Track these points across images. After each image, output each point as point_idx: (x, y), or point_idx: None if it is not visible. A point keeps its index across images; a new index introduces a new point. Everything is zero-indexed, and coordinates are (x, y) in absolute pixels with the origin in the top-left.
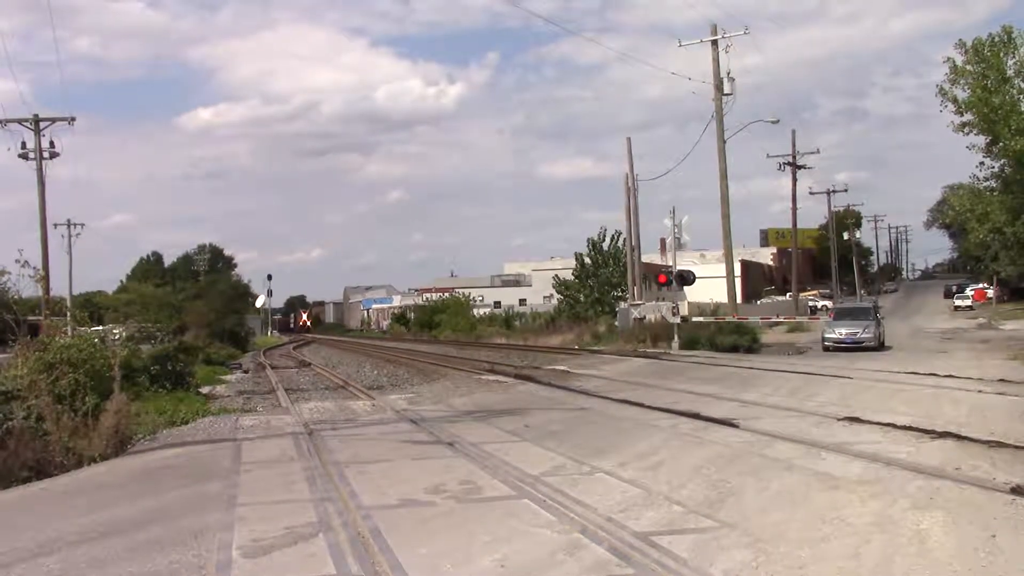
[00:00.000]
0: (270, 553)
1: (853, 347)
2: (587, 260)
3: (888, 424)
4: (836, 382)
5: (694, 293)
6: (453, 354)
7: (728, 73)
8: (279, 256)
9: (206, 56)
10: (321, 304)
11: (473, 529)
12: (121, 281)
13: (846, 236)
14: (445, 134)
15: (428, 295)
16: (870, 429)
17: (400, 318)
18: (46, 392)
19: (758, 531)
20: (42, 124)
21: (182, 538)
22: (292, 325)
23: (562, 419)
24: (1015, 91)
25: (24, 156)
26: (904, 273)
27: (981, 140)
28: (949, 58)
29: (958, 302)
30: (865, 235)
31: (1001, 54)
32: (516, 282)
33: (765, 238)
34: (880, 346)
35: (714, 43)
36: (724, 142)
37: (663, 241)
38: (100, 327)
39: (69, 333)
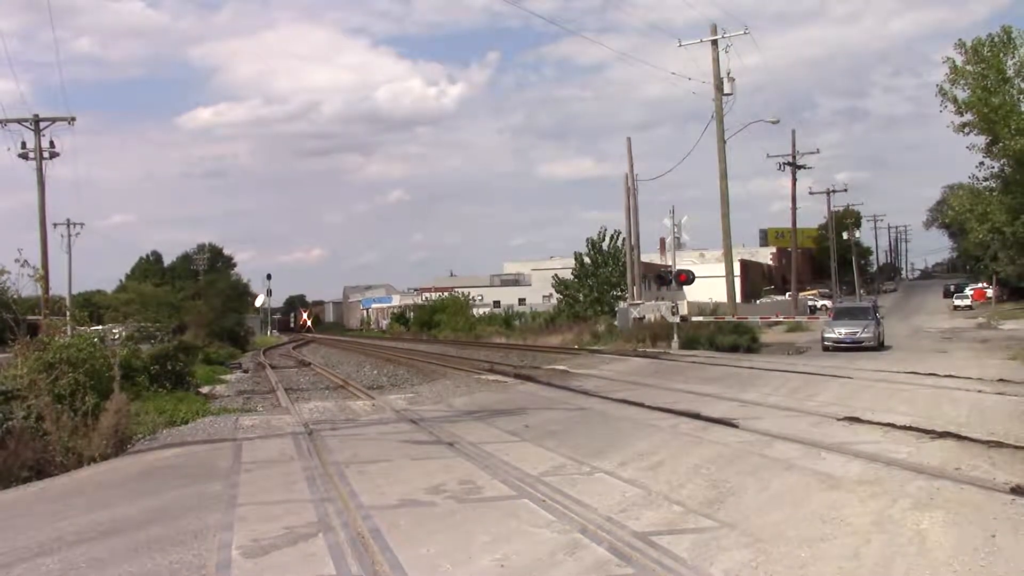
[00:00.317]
0: (270, 553)
1: (852, 347)
2: (587, 260)
3: (888, 424)
4: (836, 382)
5: (693, 293)
6: (453, 354)
7: (728, 73)
8: (279, 256)
9: (206, 56)
10: (321, 303)
11: (473, 529)
12: (120, 280)
13: (845, 236)
14: (445, 134)
15: (428, 295)
16: (870, 429)
17: (400, 318)
18: (46, 392)
19: (758, 531)
20: (42, 124)
21: (182, 538)
22: (292, 324)
23: (562, 419)
24: (1015, 91)
25: (24, 156)
26: (903, 273)
27: (981, 140)
28: (949, 58)
29: (957, 302)
30: (865, 235)
31: (1001, 54)
32: (516, 282)
33: (765, 238)
34: (880, 346)
35: (714, 43)
36: (724, 142)
37: (663, 241)
38: (100, 327)
39: (69, 333)
